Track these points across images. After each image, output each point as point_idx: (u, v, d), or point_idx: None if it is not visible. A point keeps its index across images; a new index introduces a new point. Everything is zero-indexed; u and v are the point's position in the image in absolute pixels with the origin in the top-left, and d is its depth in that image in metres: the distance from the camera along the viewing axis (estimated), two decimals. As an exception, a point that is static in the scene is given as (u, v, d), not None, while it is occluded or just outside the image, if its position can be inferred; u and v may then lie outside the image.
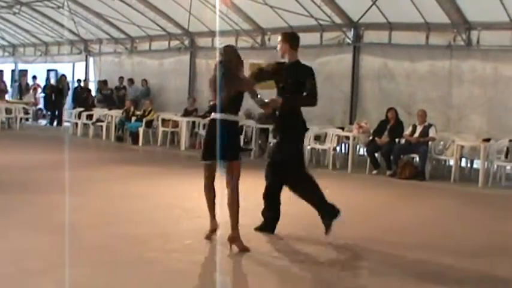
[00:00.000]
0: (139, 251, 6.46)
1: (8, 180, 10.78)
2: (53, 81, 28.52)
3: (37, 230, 7.13)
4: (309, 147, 15.08)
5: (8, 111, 22.69)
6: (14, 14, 24.83)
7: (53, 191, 9.79)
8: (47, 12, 24.23)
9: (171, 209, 7.37)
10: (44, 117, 27.36)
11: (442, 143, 14.19)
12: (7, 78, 32.24)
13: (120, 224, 7.57)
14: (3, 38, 30.16)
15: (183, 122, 17.57)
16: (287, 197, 7.55)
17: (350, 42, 17.17)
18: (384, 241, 7.49)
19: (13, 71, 32.53)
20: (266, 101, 7.31)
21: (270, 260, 6.46)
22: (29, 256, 6.08)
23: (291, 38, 7.80)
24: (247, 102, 7.23)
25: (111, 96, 23.90)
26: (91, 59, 27.31)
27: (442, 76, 15.41)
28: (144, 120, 18.53)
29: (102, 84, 24.45)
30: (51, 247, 6.42)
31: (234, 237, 6.60)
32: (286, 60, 7.67)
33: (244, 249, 6.57)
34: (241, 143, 6.52)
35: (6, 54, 32.07)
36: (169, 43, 22.58)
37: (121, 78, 24.18)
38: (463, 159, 14.10)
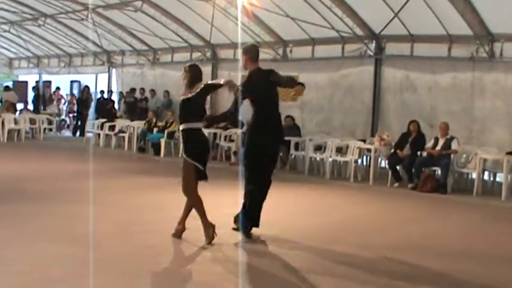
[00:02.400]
0: (159, 261, 6.48)
1: (30, 189, 10.89)
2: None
3: (57, 239, 7.18)
4: (330, 159, 15.07)
5: (32, 121, 22.93)
6: (39, 26, 25.20)
7: (74, 200, 9.88)
8: (71, 24, 24.53)
9: (190, 220, 7.38)
10: (68, 127, 27.57)
11: (464, 155, 14.07)
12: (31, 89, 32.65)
13: (140, 234, 7.60)
14: (28, 50, 30.50)
15: (204, 133, 17.56)
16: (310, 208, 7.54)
17: (372, 54, 17.11)
18: (404, 252, 7.46)
19: (37, 82, 32.85)
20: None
21: (296, 271, 6.48)
22: (49, 265, 6.12)
23: (247, 50, 8.22)
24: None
25: (134, 103, 24.03)
26: (114, 71, 27.53)
27: (464, 88, 15.28)
28: (166, 131, 18.61)
29: (127, 93, 24.66)
30: (71, 256, 6.47)
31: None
32: (247, 72, 8.15)
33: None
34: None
35: (31, 65, 32.45)
36: (191, 55, 22.68)
37: (142, 90, 24.37)
38: (486, 172, 13.96)
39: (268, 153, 7.96)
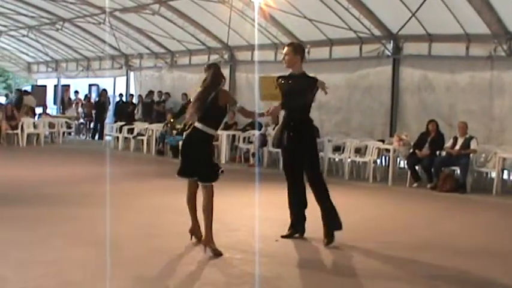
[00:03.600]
0: (178, 264, 6.51)
1: (49, 193, 10.95)
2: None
3: (78, 243, 7.23)
4: (349, 159, 15.06)
5: (51, 125, 23.07)
6: (57, 30, 25.41)
7: (92, 204, 9.93)
8: (89, 28, 24.71)
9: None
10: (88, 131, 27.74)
11: (483, 155, 13.97)
12: (50, 93, 32.92)
13: (160, 237, 7.63)
14: (46, 54, 30.75)
15: (223, 135, 17.61)
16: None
17: (389, 54, 17.05)
18: (424, 251, 7.43)
19: (56, 86, 33.10)
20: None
21: (313, 267, 6.49)
22: (69, 268, 6.16)
23: (302, 50, 8.16)
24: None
25: (151, 105, 24.13)
26: (132, 74, 27.66)
27: (483, 87, 15.16)
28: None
29: (146, 95, 24.81)
30: (92, 259, 6.51)
31: (207, 241, 6.92)
32: (291, 70, 8.05)
33: (217, 253, 6.83)
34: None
35: (50, 69, 32.71)
36: (209, 57, 22.66)
37: (159, 92, 24.49)
38: (505, 172, 13.89)
39: None
